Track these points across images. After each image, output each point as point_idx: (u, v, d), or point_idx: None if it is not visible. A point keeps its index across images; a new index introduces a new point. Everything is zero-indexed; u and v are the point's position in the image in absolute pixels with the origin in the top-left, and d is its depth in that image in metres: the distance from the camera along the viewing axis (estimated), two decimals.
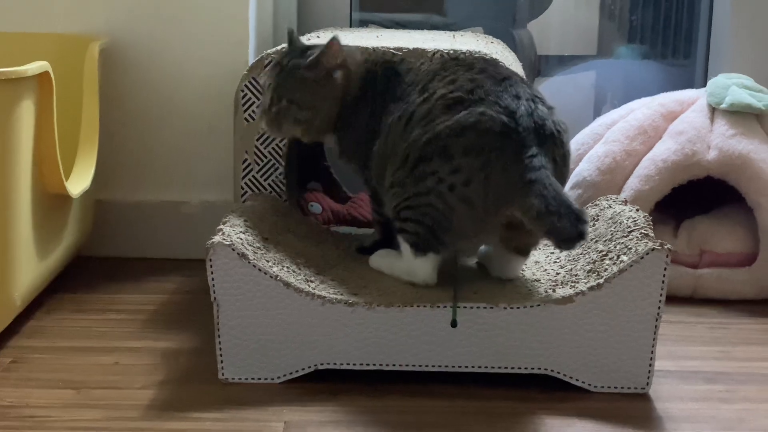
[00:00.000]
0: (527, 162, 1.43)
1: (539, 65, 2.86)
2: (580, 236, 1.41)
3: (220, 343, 1.49)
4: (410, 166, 1.50)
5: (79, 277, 1.97)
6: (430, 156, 1.48)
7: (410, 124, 1.52)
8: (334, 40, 1.61)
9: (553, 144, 1.48)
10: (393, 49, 1.70)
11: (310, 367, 1.49)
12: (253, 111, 1.80)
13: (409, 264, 1.55)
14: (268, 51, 1.81)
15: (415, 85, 1.59)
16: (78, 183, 1.81)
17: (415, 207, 1.50)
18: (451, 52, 1.67)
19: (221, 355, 1.49)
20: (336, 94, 1.64)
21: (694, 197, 2.02)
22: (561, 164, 1.50)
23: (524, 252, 1.57)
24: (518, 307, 1.46)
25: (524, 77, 1.83)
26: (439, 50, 1.68)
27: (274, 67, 1.66)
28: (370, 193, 1.70)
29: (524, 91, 1.51)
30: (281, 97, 1.63)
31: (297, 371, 1.49)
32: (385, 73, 1.65)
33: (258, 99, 1.80)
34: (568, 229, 1.40)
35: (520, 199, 1.42)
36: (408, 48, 1.70)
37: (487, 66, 1.57)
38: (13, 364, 1.56)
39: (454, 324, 1.46)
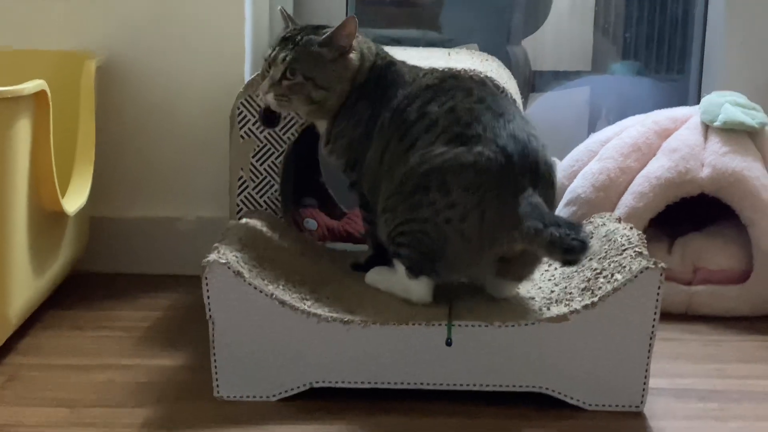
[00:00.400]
0: (522, 202, 1.46)
1: (533, 81, 2.87)
2: (583, 244, 1.43)
3: (215, 360, 1.49)
4: (406, 194, 1.51)
5: (75, 293, 1.97)
6: (427, 186, 1.49)
7: (412, 150, 1.53)
8: (350, 19, 1.60)
9: (544, 184, 1.52)
10: None
11: (305, 385, 1.49)
12: (249, 128, 1.81)
13: (404, 283, 1.55)
14: None
15: (412, 98, 1.59)
16: (74, 200, 1.81)
17: (409, 233, 1.51)
18: (453, 69, 1.67)
19: (216, 373, 1.49)
20: (348, 76, 1.63)
21: (688, 214, 2.03)
22: (550, 203, 1.54)
23: (519, 280, 1.58)
24: (512, 325, 1.46)
25: (518, 94, 1.84)
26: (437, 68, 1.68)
27: (283, 40, 1.63)
28: (357, 196, 1.70)
29: (520, 129, 1.52)
30: (296, 71, 1.60)
31: (292, 389, 1.49)
32: (388, 74, 1.65)
33: (254, 116, 1.80)
34: (569, 238, 1.42)
35: (516, 230, 1.45)
36: None
37: (485, 95, 1.57)
38: (8, 382, 1.56)
39: (448, 343, 1.46)
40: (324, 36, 1.61)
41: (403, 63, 1.69)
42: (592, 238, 1.70)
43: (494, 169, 1.47)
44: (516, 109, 1.59)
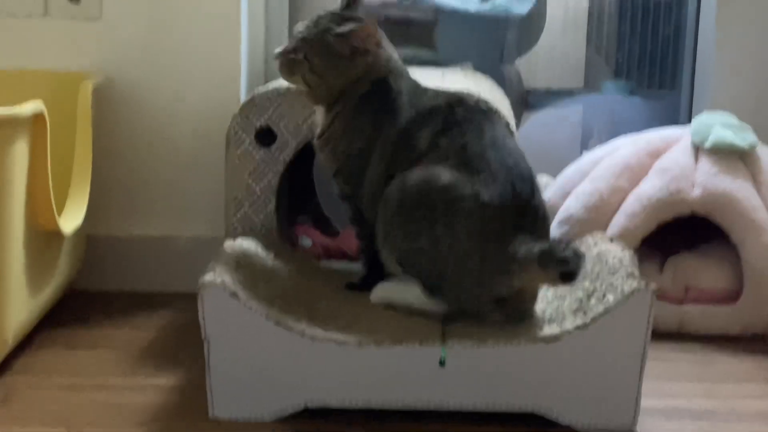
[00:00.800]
0: (519, 247, 1.49)
1: (527, 100, 2.88)
2: (577, 255, 1.47)
3: (210, 380, 1.50)
4: (404, 221, 1.53)
5: (71, 311, 1.97)
6: (430, 220, 1.52)
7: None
8: (370, 23, 1.62)
9: (542, 226, 1.57)
10: None
11: (300, 405, 1.50)
12: (245, 148, 1.82)
13: (421, 294, 1.57)
14: (260, 89, 1.83)
15: (420, 122, 1.60)
16: (70, 220, 1.82)
17: (413, 262, 1.55)
18: (460, 92, 1.67)
19: (211, 393, 1.50)
20: (349, 75, 1.64)
21: (680, 234, 2.04)
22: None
23: (520, 319, 1.58)
24: (505, 346, 1.47)
25: (511, 114, 1.85)
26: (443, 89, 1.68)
27: (314, 18, 1.65)
28: (350, 209, 1.70)
29: (525, 177, 1.55)
30: (300, 49, 1.63)
31: (287, 409, 1.50)
32: (393, 90, 1.65)
33: (249, 137, 1.82)
34: (561, 250, 1.46)
35: (511, 266, 1.49)
36: None
37: (495, 134, 1.58)
38: (5, 401, 1.56)
39: (442, 363, 1.47)
40: (341, 29, 1.62)
41: (413, 81, 1.69)
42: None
43: (496, 223, 1.50)
44: (516, 145, 1.61)
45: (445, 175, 1.53)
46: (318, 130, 1.70)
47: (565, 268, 1.46)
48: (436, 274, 1.53)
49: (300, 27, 1.65)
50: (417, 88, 1.68)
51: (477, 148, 1.55)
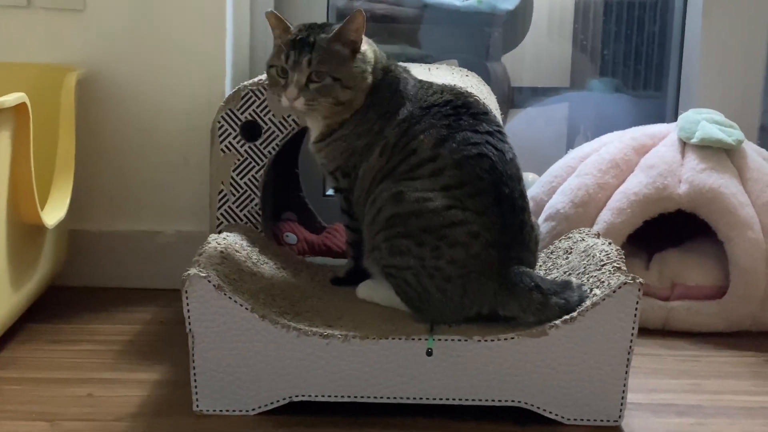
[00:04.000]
0: (511, 274, 1.50)
1: (513, 97, 2.88)
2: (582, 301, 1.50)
3: (194, 374, 1.49)
4: (393, 237, 1.53)
5: (53, 307, 1.96)
6: (418, 242, 1.51)
7: (411, 187, 1.54)
8: (357, 13, 1.57)
9: (534, 251, 1.59)
10: None
11: (285, 399, 1.49)
12: (230, 142, 1.81)
13: None
14: (245, 83, 1.82)
15: (421, 120, 1.58)
16: (53, 213, 1.81)
17: (396, 277, 1.54)
18: (461, 90, 1.65)
19: (196, 387, 1.49)
20: (369, 71, 1.60)
21: (666, 230, 2.04)
22: (533, 264, 1.59)
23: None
24: (492, 340, 1.47)
25: (498, 110, 1.85)
26: (445, 85, 1.66)
27: (296, 43, 1.57)
28: (343, 201, 1.69)
29: (517, 197, 1.55)
30: (322, 73, 1.56)
31: (272, 403, 1.49)
32: (399, 82, 1.63)
33: (234, 130, 1.81)
34: (575, 301, 1.49)
35: (508, 298, 1.50)
36: None
37: (497, 143, 1.57)
38: None
39: (429, 353, 1.46)
40: (333, 32, 1.58)
41: (410, 73, 1.68)
42: (569, 255, 1.71)
43: (483, 254, 1.50)
44: (512, 153, 1.59)
45: (439, 198, 1.51)
46: (315, 135, 1.66)
47: (559, 314, 1.47)
48: (419, 292, 1.53)
49: (292, 58, 1.56)
50: (418, 82, 1.66)
51: (476, 171, 1.53)
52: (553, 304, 1.48)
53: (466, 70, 2.16)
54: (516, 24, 2.83)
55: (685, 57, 2.45)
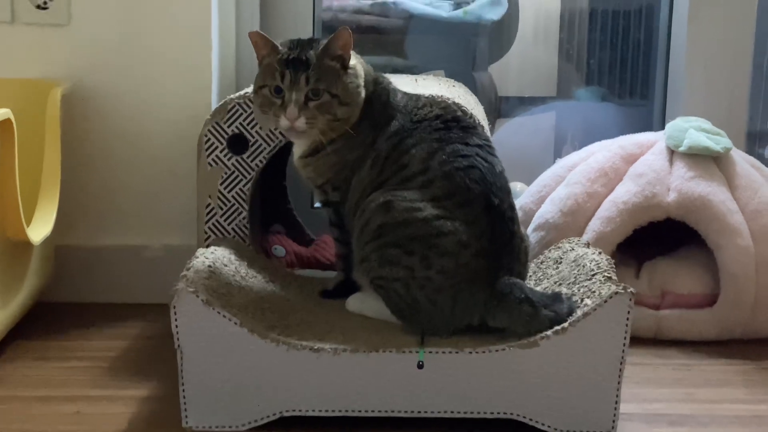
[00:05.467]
0: (501, 285, 1.50)
1: (500, 106, 2.88)
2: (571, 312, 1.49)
3: (183, 390, 1.47)
4: (382, 247, 1.52)
5: (40, 323, 1.94)
6: (408, 251, 1.50)
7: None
8: (343, 29, 1.56)
9: (524, 262, 1.58)
10: None
11: (275, 414, 1.48)
12: (217, 155, 1.80)
13: None
14: (231, 96, 1.81)
15: (412, 133, 1.58)
16: (39, 229, 1.79)
17: (386, 288, 1.53)
18: (450, 104, 1.64)
19: (185, 403, 1.48)
20: (362, 85, 1.59)
21: (655, 239, 2.04)
22: (524, 275, 1.59)
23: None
24: (483, 352, 1.46)
25: (485, 120, 1.84)
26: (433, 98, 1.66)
27: (289, 63, 1.55)
28: (332, 215, 1.68)
29: (506, 208, 1.55)
30: (319, 91, 1.55)
31: (262, 419, 1.48)
32: (389, 95, 1.63)
33: (221, 143, 1.80)
34: (565, 313, 1.48)
35: (498, 309, 1.49)
36: None
37: (486, 156, 1.57)
38: None
39: (420, 366, 1.46)
40: (320, 48, 1.57)
41: (398, 88, 1.67)
42: (559, 265, 1.71)
43: (473, 264, 1.49)
44: (500, 166, 1.59)
45: (428, 208, 1.51)
46: (303, 150, 1.64)
47: (548, 326, 1.46)
48: (409, 303, 1.52)
49: (288, 77, 1.54)
50: (406, 95, 1.66)
51: (465, 181, 1.53)
52: (543, 316, 1.47)
53: (452, 80, 2.15)
54: (502, 34, 2.83)
55: (672, 65, 2.45)
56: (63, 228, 1.96)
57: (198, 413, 1.48)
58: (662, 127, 2.18)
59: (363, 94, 1.60)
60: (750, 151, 2.21)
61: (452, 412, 1.48)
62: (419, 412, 1.48)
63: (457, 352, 1.46)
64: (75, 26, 2.05)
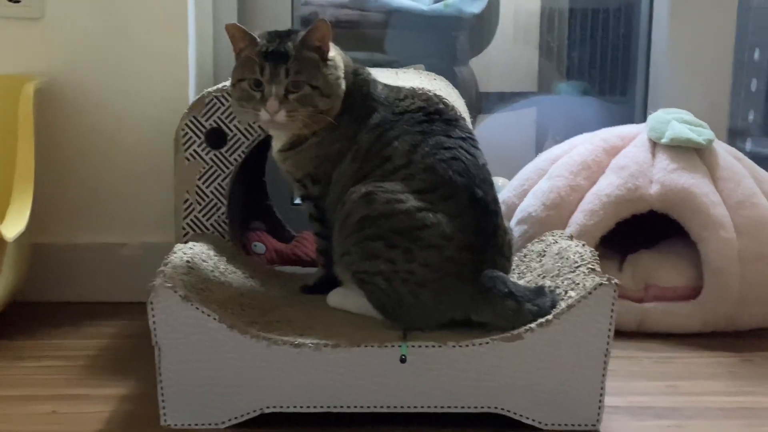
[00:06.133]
0: (485, 279, 1.48)
1: (481, 102, 2.87)
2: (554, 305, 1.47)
3: (162, 388, 1.45)
4: (363, 240, 1.50)
5: (16, 323, 1.91)
6: (390, 244, 1.48)
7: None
8: (320, 21, 1.54)
9: (508, 256, 1.56)
10: None
11: (256, 411, 1.46)
12: (195, 150, 1.78)
13: None
14: (209, 89, 1.79)
15: (394, 126, 1.56)
16: (13, 226, 1.76)
17: (368, 282, 1.51)
18: (432, 96, 1.63)
19: (163, 401, 1.45)
20: (342, 77, 1.58)
21: (638, 232, 2.03)
22: (508, 269, 1.57)
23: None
24: (466, 345, 1.44)
25: (467, 113, 1.83)
26: (414, 90, 1.64)
27: (268, 55, 1.53)
28: (312, 209, 1.66)
29: (490, 201, 1.53)
30: (300, 83, 1.53)
31: (243, 415, 1.46)
32: (369, 87, 1.62)
33: (199, 138, 1.77)
34: (548, 307, 1.46)
35: (483, 304, 1.47)
36: None
37: (469, 148, 1.56)
38: None
39: (403, 360, 1.44)
40: (299, 39, 1.54)
41: (378, 80, 1.65)
42: (542, 258, 1.69)
43: (456, 257, 1.47)
44: (483, 158, 1.58)
45: (410, 200, 1.49)
46: (282, 143, 1.62)
47: (532, 320, 1.45)
48: (391, 298, 1.50)
49: (268, 70, 1.52)
50: (387, 86, 1.64)
51: (449, 174, 1.51)
52: (527, 311, 1.46)
53: (433, 74, 2.14)
54: (483, 28, 2.82)
55: (653, 59, 2.45)
56: (39, 226, 1.94)
57: (177, 411, 1.45)
58: (643, 120, 2.17)
59: (343, 85, 1.58)
60: (732, 146, 2.20)
61: (436, 407, 1.46)
62: (402, 407, 1.46)
63: (440, 346, 1.44)
64: (49, 20, 2.02)
